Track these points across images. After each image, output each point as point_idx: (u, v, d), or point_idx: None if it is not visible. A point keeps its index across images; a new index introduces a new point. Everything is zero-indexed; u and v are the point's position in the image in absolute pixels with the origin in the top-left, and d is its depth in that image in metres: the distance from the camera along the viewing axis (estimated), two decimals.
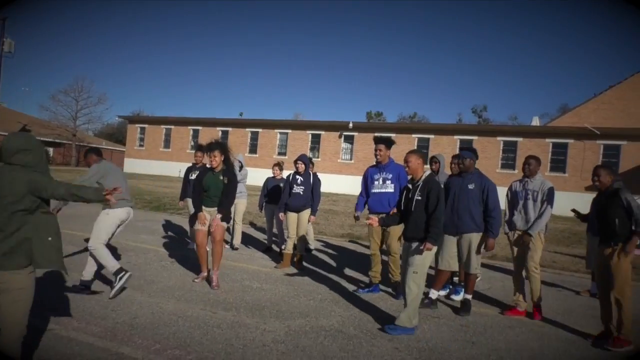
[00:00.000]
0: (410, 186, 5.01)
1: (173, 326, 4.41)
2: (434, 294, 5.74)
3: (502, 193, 5.14)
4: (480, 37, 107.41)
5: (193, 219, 6.32)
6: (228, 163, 6.16)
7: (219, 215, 5.94)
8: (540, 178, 5.59)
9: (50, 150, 46.45)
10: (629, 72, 32.49)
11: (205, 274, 6.17)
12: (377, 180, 6.14)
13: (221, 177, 6.03)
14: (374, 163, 6.36)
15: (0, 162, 2.94)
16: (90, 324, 4.30)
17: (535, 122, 31.15)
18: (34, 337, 3.75)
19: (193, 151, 35.33)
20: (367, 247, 9.52)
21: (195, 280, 6.10)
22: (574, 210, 6.09)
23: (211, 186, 6.03)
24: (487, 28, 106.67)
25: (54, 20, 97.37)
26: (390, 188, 6.05)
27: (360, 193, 6.41)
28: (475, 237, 5.59)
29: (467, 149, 5.83)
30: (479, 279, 6.85)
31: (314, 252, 8.79)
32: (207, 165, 6.32)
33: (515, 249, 5.68)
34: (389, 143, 6.16)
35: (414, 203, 4.84)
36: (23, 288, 2.88)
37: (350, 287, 6.39)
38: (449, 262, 5.69)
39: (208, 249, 6.19)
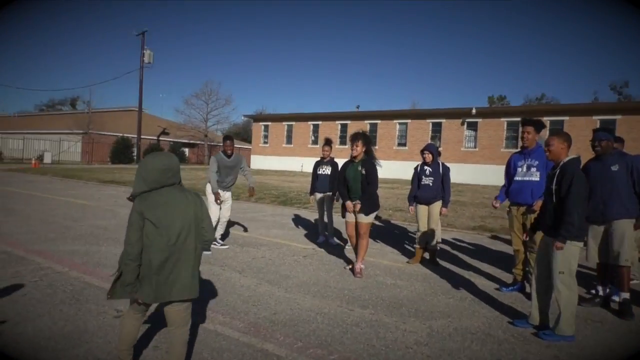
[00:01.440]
0: (550, 173, 4.47)
1: (312, 323, 4.38)
2: (600, 290, 5.26)
3: None
4: (613, 2, 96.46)
5: (342, 209, 6.54)
6: (370, 154, 6.27)
7: (359, 206, 6.08)
8: None
9: (186, 150, 50.40)
10: None
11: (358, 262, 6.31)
12: (521, 167, 5.60)
13: (359, 168, 6.14)
14: (519, 149, 5.83)
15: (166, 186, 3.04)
16: (234, 319, 4.42)
17: None
18: None
19: (314, 146, 36.20)
20: (505, 240, 8.91)
21: (346, 267, 6.58)
22: None
23: (350, 178, 6.23)
24: None
25: (185, 28, 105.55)
26: (535, 176, 5.49)
27: (504, 183, 5.92)
28: (627, 224, 4.95)
29: (602, 130, 5.29)
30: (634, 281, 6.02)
31: (446, 246, 8.38)
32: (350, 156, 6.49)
33: None
34: (538, 126, 5.59)
35: (552, 192, 4.31)
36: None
37: (491, 285, 5.94)
38: (595, 256, 5.20)
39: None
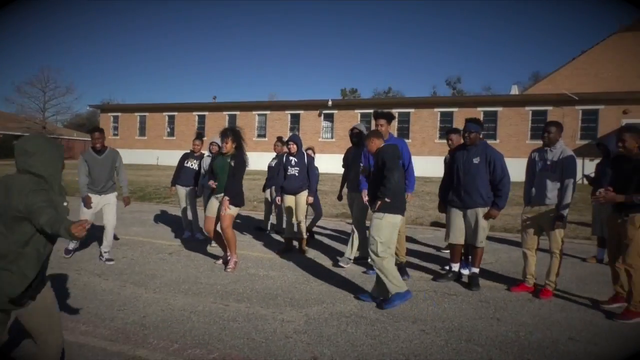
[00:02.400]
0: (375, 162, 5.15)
1: (187, 323, 4.18)
2: (455, 266, 5.72)
3: None
4: (446, 8, 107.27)
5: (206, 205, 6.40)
6: (240, 149, 6.13)
7: (227, 199, 5.88)
8: (561, 147, 5.17)
9: None
10: (600, 37, 32.69)
11: (229, 256, 6.18)
12: None
13: (229, 160, 6.00)
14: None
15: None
16: (98, 327, 4.04)
17: (514, 91, 31.21)
18: None
19: (170, 138, 34.55)
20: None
21: (216, 262, 6.40)
22: (586, 177, 5.97)
23: (218, 169, 6.09)
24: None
25: (10, 9, 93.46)
26: None
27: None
28: (481, 212, 5.46)
29: (473, 121, 5.59)
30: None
31: (313, 234, 8.58)
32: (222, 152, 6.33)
33: (530, 224, 5.33)
34: (389, 118, 5.94)
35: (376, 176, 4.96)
36: (54, 301, 2.74)
37: (358, 269, 6.23)
38: (456, 236, 5.62)
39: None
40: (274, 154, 8.83)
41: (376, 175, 4.88)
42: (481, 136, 5.60)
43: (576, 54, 30.70)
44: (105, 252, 6.34)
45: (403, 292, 4.63)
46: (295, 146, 7.23)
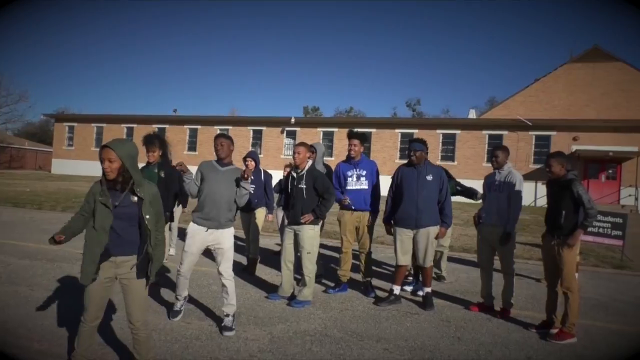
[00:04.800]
0: (294, 175, 5.50)
1: None
2: (396, 289, 5.63)
3: None
4: (409, 31, 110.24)
5: None
6: (166, 157, 5.98)
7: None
8: (508, 169, 5.40)
9: None
10: (553, 66, 34.30)
11: None
12: (351, 177, 5.96)
13: (156, 170, 5.79)
14: (345, 158, 6.20)
15: None
16: (54, 345, 3.89)
17: (472, 114, 32.23)
18: None
19: None
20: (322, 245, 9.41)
21: None
22: None
23: None
24: (415, 24, 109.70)
25: None
26: (365, 185, 5.91)
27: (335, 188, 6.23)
28: (433, 231, 5.49)
29: (417, 141, 5.60)
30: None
31: (272, 254, 8.52)
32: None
33: (483, 244, 5.50)
34: (363, 138, 6.02)
35: (302, 191, 5.35)
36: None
37: (319, 287, 6.21)
38: (404, 258, 5.58)
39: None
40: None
41: (307, 193, 5.37)
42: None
43: (530, 81, 32.12)
44: (226, 315, 4.49)
45: (309, 300, 5.40)
46: (252, 163, 7.08)
